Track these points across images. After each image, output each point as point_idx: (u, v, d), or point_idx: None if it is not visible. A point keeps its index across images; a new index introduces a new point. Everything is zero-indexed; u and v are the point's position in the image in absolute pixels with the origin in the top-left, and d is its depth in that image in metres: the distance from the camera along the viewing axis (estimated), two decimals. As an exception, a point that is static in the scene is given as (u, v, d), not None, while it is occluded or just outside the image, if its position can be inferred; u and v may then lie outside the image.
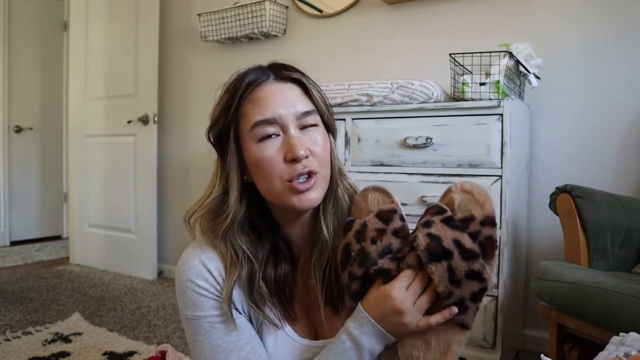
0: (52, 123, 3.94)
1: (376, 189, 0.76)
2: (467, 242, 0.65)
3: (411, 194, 1.60)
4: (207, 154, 0.82)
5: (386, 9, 2.16)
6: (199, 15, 2.55)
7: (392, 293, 0.66)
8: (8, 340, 1.78)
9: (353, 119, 1.74)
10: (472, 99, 1.56)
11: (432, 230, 0.66)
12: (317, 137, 0.74)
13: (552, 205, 1.45)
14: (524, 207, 1.77)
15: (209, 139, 0.78)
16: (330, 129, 0.79)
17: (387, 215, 0.71)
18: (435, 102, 1.62)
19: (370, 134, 1.70)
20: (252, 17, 2.35)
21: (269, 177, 0.72)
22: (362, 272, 0.69)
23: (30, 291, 2.46)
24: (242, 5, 2.38)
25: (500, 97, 1.51)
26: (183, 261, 0.78)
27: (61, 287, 2.56)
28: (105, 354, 1.69)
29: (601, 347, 0.79)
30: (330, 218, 0.78)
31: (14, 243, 3.69)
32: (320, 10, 2.35)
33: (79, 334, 1.87)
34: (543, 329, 1.76)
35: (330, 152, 0.77)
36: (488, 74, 1.55)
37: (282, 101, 0.73)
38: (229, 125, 0.74)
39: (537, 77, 1.69)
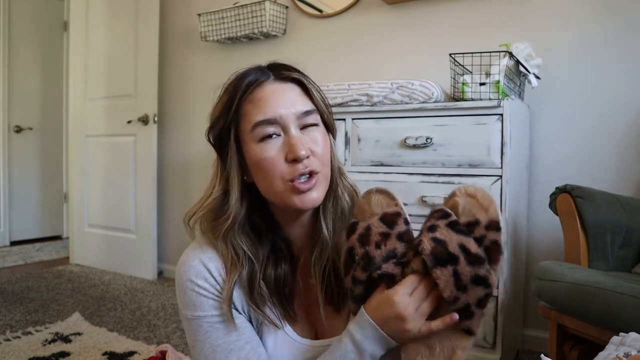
0: (52, 123, 3.94)
1: (380, 191, 0.75)
2: (473, 246, 0.64)
3: (411, 194, 1.60)
4: (207, 154, 0.82)
5: (386, 9, 2.16)
6: (199, 15, 2.55)
7: (395, 298, 0.65)
8: (8, 340, 1.78)
9: (353, 119, 1.74)
10: (472, 99, 1.56)
11: (437, 235, 0.65)
12: (317, 136, 0.74)
13: (552, 205, 1.45)
14: (524, 207, 1.77)
15: (208, 140, 0.78)
16: (330, 129, 0.79)
17: (391, 219, 0.70)
18: (435, 102, 1.62)
19: (370, 134, 1.70)
20: (252, 17, 2.35)
21: (270, 177, 0.72)
22: (366, 276, 0.68)
23: (30, 291, 2.46)
24: (242, 5, 2.38)
25: (500, 97, 1.51)
26: (183, 261, 0.78)
27: (61, 287, 2.56)
28: (105, 354, 1.69)
29: (601, 347, 0.79)
30: (330, 217, 0.78)
31: (14, 243, 3.69)
32: (320, 10, 2.35)
33: (79, 334, 1.87)
34: (543, 329, 1.76)
35: (330, 152, 0.77)
36: (488, 74, 1.55)
37: (282, 101, 0.73)
38: (229, 126, 0.74)
39: (537, 77, 1.69)
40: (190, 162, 2.82)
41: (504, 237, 0.66)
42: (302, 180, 0.71)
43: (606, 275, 1.23)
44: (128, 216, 2.90)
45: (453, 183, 1.55)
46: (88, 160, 3.09)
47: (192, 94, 2.81)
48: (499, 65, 1.51)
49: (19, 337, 1.82)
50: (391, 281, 0.67)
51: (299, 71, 0.77)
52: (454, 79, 1.61)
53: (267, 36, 2.47)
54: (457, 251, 0.63)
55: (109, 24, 2.97)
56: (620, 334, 0.79)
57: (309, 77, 0.78)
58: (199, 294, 0.75)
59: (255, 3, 2.33)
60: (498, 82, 1.51)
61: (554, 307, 1.25)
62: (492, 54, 1.54)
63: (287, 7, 2.43)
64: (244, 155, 0.75)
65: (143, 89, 2.80)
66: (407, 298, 0.65)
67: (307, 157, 0.71)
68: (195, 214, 0.77)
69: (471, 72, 1.61)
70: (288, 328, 0.79)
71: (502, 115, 1.48)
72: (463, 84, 1.59)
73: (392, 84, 1.67)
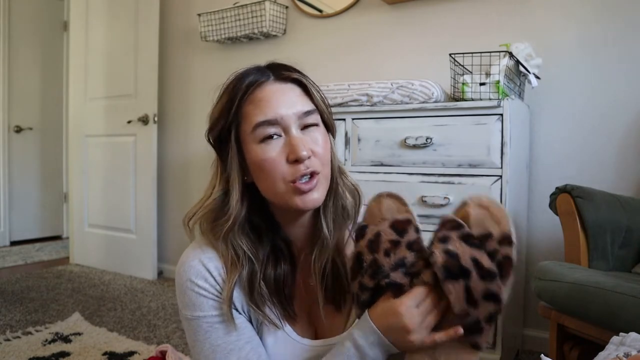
0: (52, 123, 3.94)
1: (391, 195, 0.73)
2: (486, 261, 0.62)
3: (411, 194, 1.60)
4: (207, 154, 0.82)
5: (386, 9, 2.16)
6: (199, 15, 2.55)
7: (401, 310, 0.64)
8: (8, 340, 1.78)
9: (353, 119, 1.74)
10: (472, 99, 1.56)
11: (450, 247, 0.63)
12: (318, 137, 0.74)
13: (552, 205, 1.45)
14: (524, 207, 1.77)
15: (208, 141, 0.78)
16: (329, 128, 0.79)
17: (401, 226, 0.69)
18: (435, 102, 1.62)
19: (370, 134, 1.70)
20: (252, 17, 2.35)
21: (272, 178, 0.72)
22: (374, 284, 0.67)
23: (30, 291, 2.46)
24: (242, 5, 2.38)
25: (500, 97, 1.51)
26: (183, 261, 0.78)
27: (61, 287, 2.56)
28: (105, 354, 1.69)
29: (601, 347, 0.79)
30: (331, 217, 0.78)
31: (14, 243, 3.69)
32: (320, 10, 2.35)
33: (79, 334, 1.87)
34: (543, 329, 1.76)
35: (331, 152, 0.77)
36: (488, 74, 1.55)
37: (283, 101, 0.73)
38: (230, 127, 0.74)
39: (537, 77, 1.69)
40: (190, 162, 2.82)
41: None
42: (304, 181, 0.71)
43: (606, 275, 1.23)
44: (128, 216, 2.90)
45: (453, 183, 1.55)
46: (88, 160, 3.09)
47: (192, 94, 2.81)
48: (499, 65, 1.51)
49: (19, 337, 1.82)
50: (399, 291, 0.66)
51: (298, 71, 0.77)
52: (454, 79, 1.61)
53: (267, 36, 2.47)
54: (469, 265, 0.62)
55: (109, 24, 2.97)
56: (620, 334, 0.79)
57: (308, 77, 0.78)
58: (198, 294, 0.75)
59: (255, 3, 2.33)
60: (498, 82, 1.51)
61: (554, 307, 1.25)
62: (492, 54, 1.54)
63: (287, 7, 2.43)
64: (244, 156, 0.75)
65: (143, 89, 2.80)
66: (413, 310, 0.64)
67: (309, 157, 0.71)
68: (195, 214, 0.77)
69: (471, 72, 1.61)
70: (288, 328, 0.79)
71: (502, 115, 1.48)
72: (463, 84, 1.59)
73: (392, 84, 1.67)
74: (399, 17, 2.13)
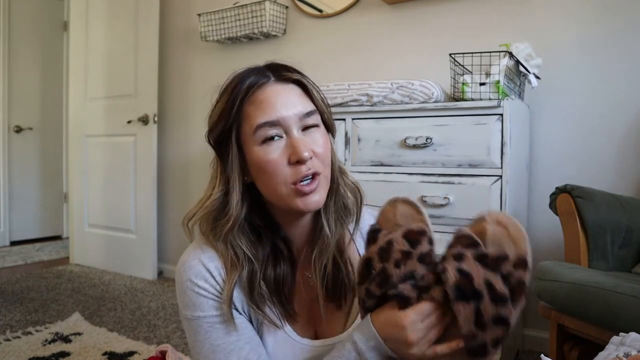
0: (52, 123, 3.94)
1: (406, 201, 0.71)
2: (499, 285, 0.61)
3: (411, 194, 1.59)
4: (207, 154, 0.82)
5: (386, 9, 2.16)
6: (199, 15, 2.55)
7: (405, 322, 0.63)
8: (8, 340, 1.78)
9: (353, 119, 1.74)
10: (472, 99, 1.56)
11: (464, 266, 0.62)
12: (318, 137, 0.74)
13: (552, 205, 1.45)
14: (524, 207, 1.77)
15: (208, 141, 0.78)
16: (330, 129, 0.79)
17: (415, 237, 0.67)
18: (435, 102, 1.62)
19: (370, 134, 1.70)
20: (252, 17, 2.35)
21: (274, 180, 0.72)
22: (381, 292, 0.66)
23: (30, 291, 2.46)
24: (242, 5, 2.38)
25: (500, 97, 1.51)
26: (183, 261, 0.78)
27: (61, 287, 2.56)
28: (105, 354, 1.69)
29: (601, 347, 0.79)
30: (332, 217, 0.78)
31: (14, 243, 3.69)
32: (320, 10, 2.35)
33: (79, 334, 1.87)
34: (543, 329, 1.76)
35: (331, 152, 0.77)
36: (488, 74, 1.55)
37: (284, 103, 0.73)
38: (230, 128, 0.74)
39: (537, 77, 1.69)
40: (190, 162, 2.82)
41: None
42: (305, 183, 0.71)
43: (606, 275, 1.23)
44: (128, 216, 2.90)
45: (453, 183, 1.55)
46: (88, 160, 3.09)
47: (192, 94, 2.81)
48: (499, 65, 1.51)
49: (19, 337, 1.82)
50: (405, 303, 0.65)
51: (299, 72, 0.77)
52: (454, 79, 1.61)
53: (267, 36, 2.47)
54: (482, 288, 0.60)
55: (109, 24, 2.97)
56: (620, 334, 0.79)
57: (308, 77, 0.78)
58: (199, 294, 0.75)
59: (255, 3, 2.33)
60: (498, 82, 1.51)
61: (554, 307, 1.25)
62: (492, 54, 1.54)
63: (287, 7, 2.43)
64: (245, 157, 0.75)
65: (143, 89, 2.80)
66: (417, 325, 0.63)
67: (310, 158, 0.71)
68: (195, 215, 0.77)
69: (471, 72, 1.61)
70: (288, 328, 0.79)
71: (502, 115, 1.48)
72: (463, 84, 1.59)
73: (392, 84, 1.67)
74: (399, 17, 2.13)
